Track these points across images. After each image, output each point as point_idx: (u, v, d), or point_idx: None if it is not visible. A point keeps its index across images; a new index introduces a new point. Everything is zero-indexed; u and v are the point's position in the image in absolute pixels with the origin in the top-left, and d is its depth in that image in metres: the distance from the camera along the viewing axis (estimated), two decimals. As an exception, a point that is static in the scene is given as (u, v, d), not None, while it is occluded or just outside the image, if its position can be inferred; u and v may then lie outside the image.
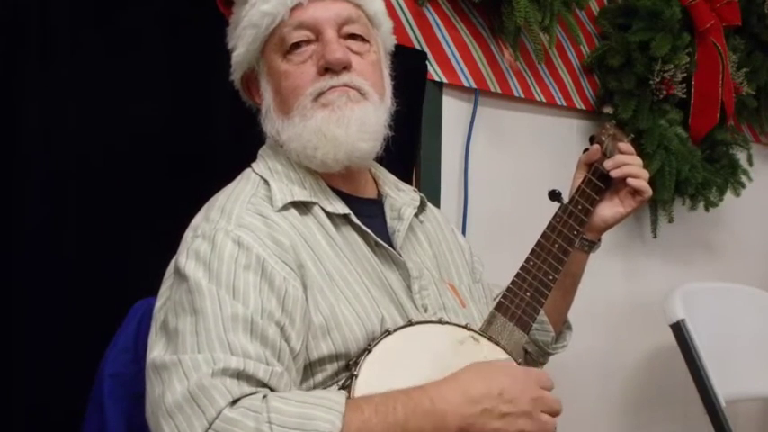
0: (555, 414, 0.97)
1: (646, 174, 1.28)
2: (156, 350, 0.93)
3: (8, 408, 1.24)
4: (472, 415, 0.90)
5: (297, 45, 1.07)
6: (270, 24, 1.08)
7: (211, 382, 0.85)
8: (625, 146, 1.32)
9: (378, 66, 1.12)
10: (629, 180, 1.26)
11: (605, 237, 1.34)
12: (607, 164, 1.28)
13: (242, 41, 1.11)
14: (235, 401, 0.85)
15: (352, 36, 1.09)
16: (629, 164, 1.27)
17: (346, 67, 1.06)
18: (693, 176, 2.18)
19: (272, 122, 1.10)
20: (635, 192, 1.28)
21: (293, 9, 1.07)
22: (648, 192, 1.28)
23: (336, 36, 1.07)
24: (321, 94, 1.05)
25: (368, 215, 1.11)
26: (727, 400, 1.81)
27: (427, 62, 1.73)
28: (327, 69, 1.06)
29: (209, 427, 0.83)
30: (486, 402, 0.91)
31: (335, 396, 0.88)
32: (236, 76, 1.16)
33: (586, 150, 1.33)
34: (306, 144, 1.06)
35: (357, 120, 1.05)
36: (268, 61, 1.10)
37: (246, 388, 0.86)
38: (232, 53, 1.14)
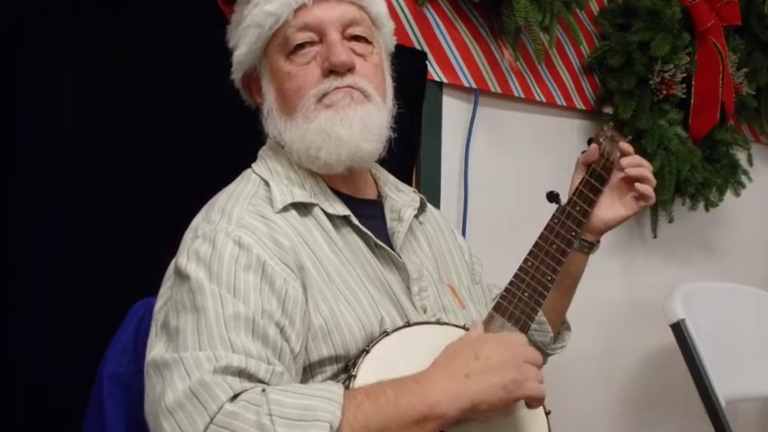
0: (537, 364, 0.97)
1: (654, 181, 1.29)
2: (157, 349, 0.93)
3: (9, 407, 1.24)
4: (458, 385, 0.90)
5: (300, 46, 1.07)
6: (273, 25, 1.07)
7: (213, 379, 0.85)
8: (626, 145, 1.32)
9: (380, 68, 1.13)
10: (638, 185, 1.26)
11: (605, 236, 1.34)
12: (624, 161, 1.28)
13: (244, 41, 1.11)
14: (235, 396, 0.85)
15: (356, 38, 1.09)
16: (644, 167, 1.27)
17: (350, 70, 1.06)
18: (693, 176, 2.18)
19: (274, 123, 1.10)
20: (639, 196, 1.28)
21: (297, 10, 1.06)
22: (653, 198, 1.28)
23: (340, 38, 1.07)
24: (325, 95, 1.05)
25: (368, 216, 1.11)
26: (727, 400, 1.81)
27: (427, 62, 1.73)
28: (331, 71, 1.05)
29: (211, 422, 0.83)
30: (465, 369, 0.92)
31: (334, 387, 0.88)
32: (236, 75, 1.16)
33: (585, 152, 1.33)
34: (309, 145, 1.06)
35: (360, 120, 1.05)
36: (271, 61, 1.10)
37: (248, 385, 0.86)
38: (233, 52, 1.14)
